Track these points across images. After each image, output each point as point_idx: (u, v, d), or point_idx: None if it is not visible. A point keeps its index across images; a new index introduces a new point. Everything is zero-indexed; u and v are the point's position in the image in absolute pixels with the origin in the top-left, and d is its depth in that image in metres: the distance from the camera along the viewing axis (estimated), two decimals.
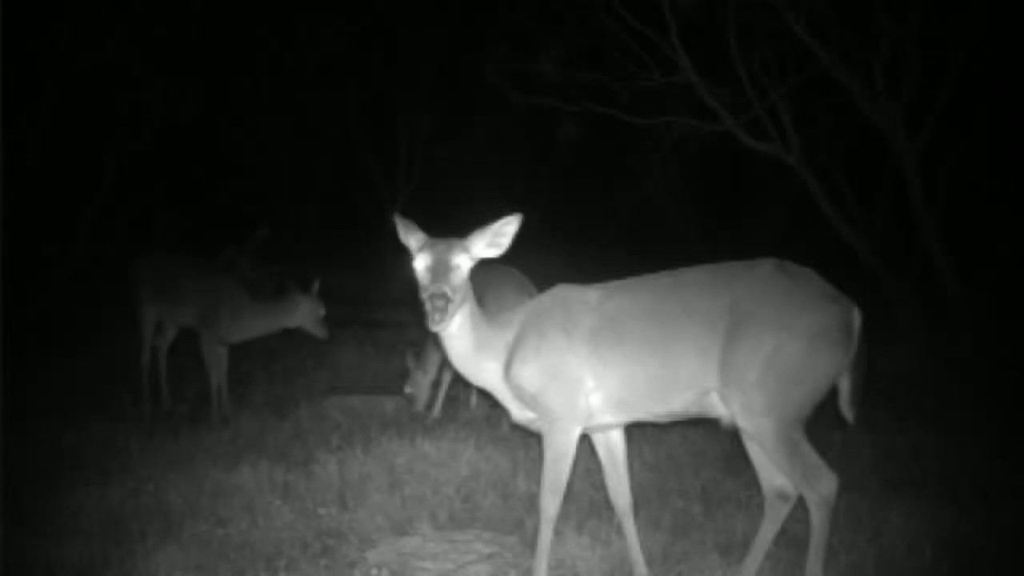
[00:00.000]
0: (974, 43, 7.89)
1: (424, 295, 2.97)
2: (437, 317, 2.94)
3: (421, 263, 3.04)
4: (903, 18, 7.76)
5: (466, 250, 3.06)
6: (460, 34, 12.54)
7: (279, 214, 13.85)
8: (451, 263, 3.01)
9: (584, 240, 15.67)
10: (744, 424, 3.06)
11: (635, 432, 4.06)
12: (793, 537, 3.61)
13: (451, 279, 2.99)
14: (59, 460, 4.86)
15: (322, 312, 6.09)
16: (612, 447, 3.49)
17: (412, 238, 3.13)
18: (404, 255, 3.18)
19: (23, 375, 6.15)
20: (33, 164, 9.44)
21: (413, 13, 13.50)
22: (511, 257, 3.31)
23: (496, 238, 3.12)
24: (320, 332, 6.13)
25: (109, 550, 3.72)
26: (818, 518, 3.02)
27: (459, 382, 6.50)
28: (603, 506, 3.97)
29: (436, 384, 6.27)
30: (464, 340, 3.18)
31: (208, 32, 10.37)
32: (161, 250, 6.99)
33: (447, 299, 2.94)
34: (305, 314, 6.04)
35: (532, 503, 3.86)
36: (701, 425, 3.66)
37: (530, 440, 4.81)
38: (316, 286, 6.06)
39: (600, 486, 3.57)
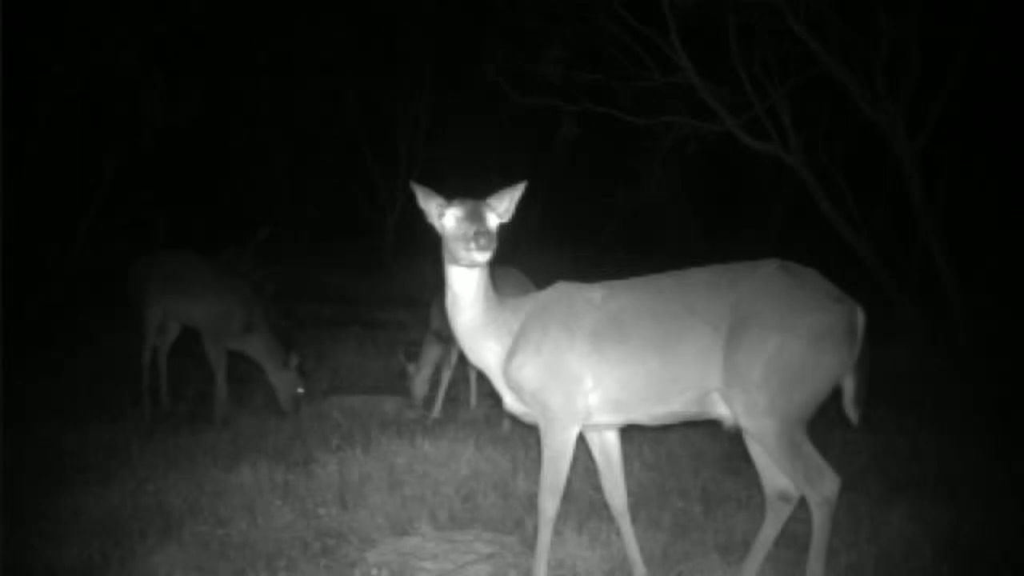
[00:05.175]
0: (974, 43, 7.89)
1: (466, 239, 2.97)
2: (479, 254, 2.96)
3: (452, 217, 3.07)
4: (903, 18, 7.76)
5: (492, 208, 3.13)
6: (460, 33, 12.53)
7: (279, 215, 13.84)
8: (483, 213, 3.06)
9: (584, 240, 15.65)
10: (746, 424, 3.06)
11: (635, 432, 4.06)
12: (793, 537, 3.61)
13: (488, 223, 3.04)
14: (59, 460, 4.85)
15: (300, 389, 6.20)
16: (607, 447, 3.49)
17: (433, 202, 3.17)
18: (423, 223, 3.21)
19: (23, 375, 6.14)
20: (33, 165, 9.42)
21: (413, 13, 13.51)
22: (511, 257, 3.32)
23: (510, 203, 3.20)
24: (286, 405, 6.16)
25: (109, 550, 3.72)
26: (820, 518, 3.02)
27: (459, 382, 6.51)
28: (603, 506, 3.96)
29: (436, 384, 6.27)
30: (475, 309, 3.20)
31: (208, 32, 10.37)
32: (170, 247, 6.96)
33: (491, 235, 2.98)
34: (285, 381, 6.16)
35: (532, 503, 3.86)
36: (701, 425, 3.65)
37: (530, 440, 4.81)
38: (295, 361, 6.17)
39: (600, 486, 3.57)
